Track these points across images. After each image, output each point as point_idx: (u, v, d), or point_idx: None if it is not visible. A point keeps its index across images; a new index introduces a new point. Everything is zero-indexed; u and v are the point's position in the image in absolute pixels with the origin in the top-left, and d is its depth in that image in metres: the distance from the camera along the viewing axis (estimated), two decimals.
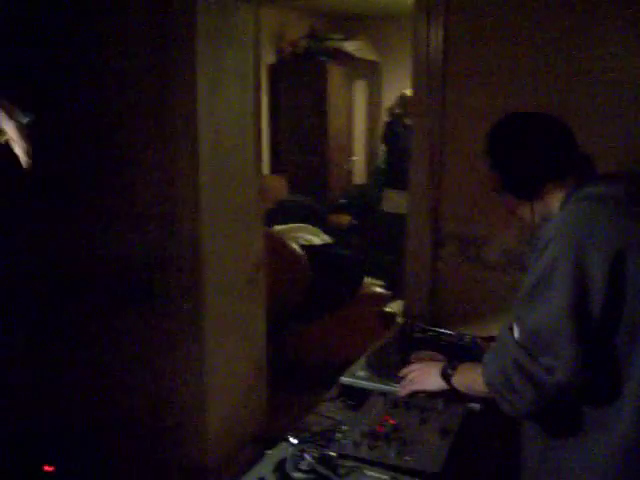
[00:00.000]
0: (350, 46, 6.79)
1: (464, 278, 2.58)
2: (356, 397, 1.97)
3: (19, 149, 1.73)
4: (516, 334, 1.55)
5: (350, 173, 7.16)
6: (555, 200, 1.67)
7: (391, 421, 1.76)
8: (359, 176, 7.28)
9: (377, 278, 4.81)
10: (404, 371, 1.99)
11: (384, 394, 1.93)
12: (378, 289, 4.35)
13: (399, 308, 3.63)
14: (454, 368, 1.87)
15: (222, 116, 3.01)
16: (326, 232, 5.61)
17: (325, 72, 6.55)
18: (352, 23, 7.20)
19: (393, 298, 4.52)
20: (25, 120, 1.74)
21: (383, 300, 4.35)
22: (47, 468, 2.98)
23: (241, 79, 3.12)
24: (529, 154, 1.67)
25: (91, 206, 3.19)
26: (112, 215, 3.15)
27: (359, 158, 7.28)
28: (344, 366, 2.23)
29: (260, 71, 3.24)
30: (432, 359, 2.08)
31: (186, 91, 2.84)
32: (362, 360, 2.14)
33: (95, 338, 3.29)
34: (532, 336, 1.51)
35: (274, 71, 6.58)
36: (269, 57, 6.54)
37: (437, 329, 2.36)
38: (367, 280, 4.45)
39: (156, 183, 3.01)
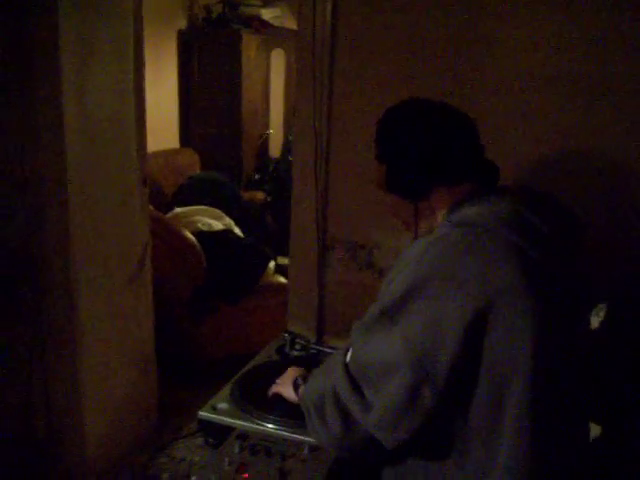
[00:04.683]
0: (268, 13, 6.40)
1: (353, 285, 2.33)
2: (217, 434, 1.73)
3: None
4: (348, 357, 1.35)
5: (265, 147, 6.83)
6: (443, 210, 1.42)
7: (244, 475, 1.51)
8: (275, 150, 6.96)
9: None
10: None
11: (244, 436, 1.68)
12: (282, 279, 4.09)
13: None
14: (306, 379, 1.66)
15: (94, 95, 2.68)
16: (239, 210, 5.32)
17: (240, 40, 6.14)
18: None
19: None
20: None
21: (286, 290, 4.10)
22: None
23: (119, 54, 2.79)
24: (421, 144, 1.38)
25: None
26: None
27: (275, 131, 6.95)
28: (245, 360, 2.10)
29: (143, 44, 2.90)
30: None
31: (49, 69, 2.49)
32: (227, 388, 1.88)
33: None
34: (362, 368, 1.29)
35: (185, 37, 6.17)
36: (180, 22, 6.13)
37: (320, 346, 2.12)
38: (271, 268, 4.18)
39: (19, 171, 2.68)
